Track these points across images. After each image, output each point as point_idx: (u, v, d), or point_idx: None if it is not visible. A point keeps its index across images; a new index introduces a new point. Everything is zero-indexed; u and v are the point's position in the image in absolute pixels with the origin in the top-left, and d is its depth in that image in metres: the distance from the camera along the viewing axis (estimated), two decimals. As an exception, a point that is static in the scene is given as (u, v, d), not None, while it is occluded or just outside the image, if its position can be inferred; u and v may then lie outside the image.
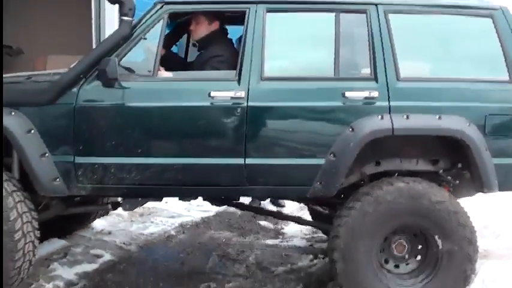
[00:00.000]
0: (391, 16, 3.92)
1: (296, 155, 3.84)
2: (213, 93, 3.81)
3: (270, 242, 5.67)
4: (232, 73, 3.91)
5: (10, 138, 3.85)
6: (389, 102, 3.80)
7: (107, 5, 6.67)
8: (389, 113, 3.78)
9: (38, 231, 4.00)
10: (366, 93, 3.81)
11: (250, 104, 3.80)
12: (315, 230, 5.92)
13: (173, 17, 4.12)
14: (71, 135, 3.86)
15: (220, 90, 3.82)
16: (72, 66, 3.97)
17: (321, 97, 3.83)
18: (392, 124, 3.74)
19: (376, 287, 3.80)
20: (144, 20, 3.94)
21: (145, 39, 3.94)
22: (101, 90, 3.85)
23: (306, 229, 5.99)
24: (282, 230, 6.06)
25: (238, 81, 3.84)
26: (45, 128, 3.87)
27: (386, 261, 3.94)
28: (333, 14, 3.91)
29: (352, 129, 3.76)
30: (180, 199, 4.36)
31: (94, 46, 6.71)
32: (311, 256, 5.18)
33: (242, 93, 3.80)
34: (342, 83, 3.85)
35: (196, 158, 3.85)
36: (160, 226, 6.12)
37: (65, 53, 8.06)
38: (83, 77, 3.89)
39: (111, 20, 6.81)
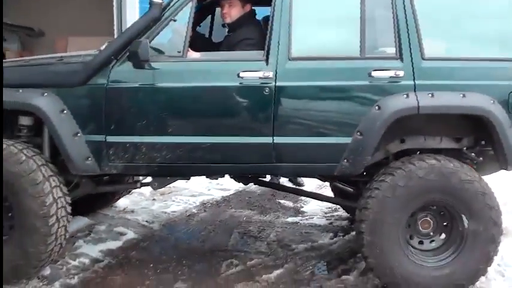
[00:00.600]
0: None
1: (323, 134, 3.90)
2: (241, 74, 3.87)
3: (290, 220, 5.73)
4: (260, 53, 3.95)
5: (43, 119, 3.95)
6: (414, 81, 3.84)
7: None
8: (415, 91, 3.82)
9: (70, 216, 4.09)
10: (391, 73, 3.85)
11: (278, 83, 3.85)
12: (334, 208, 6.00)
13: None
14: (103, 115, 3.94)
15: (249, 70, 3.88)
16: (103, 47, 4.05)
17: (347, 76, 3.88)
18: (418, 102, 3.78)
19: (401, 261, 3.85)
20: (173, 2, 4.00)
21: (175, 20, 4.00)
22: (132, 71, 3.91)
23: (325, 207, 6.06)
24: (301, 209, 6.12)
25: (266, 61, 3.89)
26: (77, 108, 3.95)
27: (411, 237, 3.99)
28: None
29: (379, 108, 3.81)
30: (207, 177, 4.42)
31: (115, 28, 6.74)
32: (331, 234, 5.25)
33: (270, 74, 3.86)
34: (368, 63, 3.89)
35: (226, 136, 3.92)
36: (182, 205, 6.21)
37: (85, 35, 8.14)
38: (114, 58, 3.96)
39: (132, 2, 6.81)
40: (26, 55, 8.25)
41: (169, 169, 4.06)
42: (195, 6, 4.03)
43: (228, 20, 4.45)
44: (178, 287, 4.12)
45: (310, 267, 4.50)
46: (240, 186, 6.61)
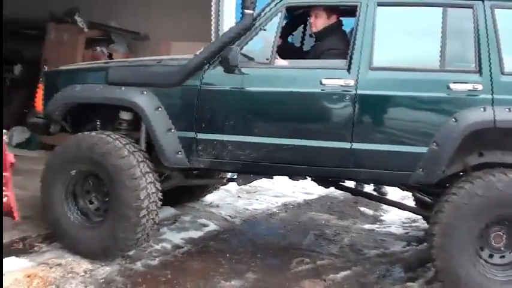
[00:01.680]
0: (497, 11, 3.98)
1: (400, 142, 4.01)
2: (324, 81, 4.07)
3: (366, 226, 5.86)
4: (342, 62, 4.13)
5: (141, 115, 4.35)
6: (492, 95, 3.88)
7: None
8: (492, 105, 3.86)
9: (159, 209, 4.43)
10: (469, 86, 3.91)
11: (359, 92, 4.02)
12: (413, 219, 6.04)
13: (290, 9, 4.40)
14: (194, 114, 4.28)
15: (331, 78, 4.07)
16: (198, 52, 4.38)
17: (426, 88, 3.98)
18: (495, 116, 3.83)
19: (468, 269, 3.88)
20: (264, 13, 4.27)
21: (264, 30, 4.26)
22: (223, 75, 4.23)
23: (404, 218, 6.13)
24: (380, 217, 6.20)
25: (348, 70, 4.06)
26: (171, 107, 4.33)
27: (482, 249, 3.97)
28: (441, 9, 4.04)
29: (455, 120, 3.88)
30: (289, 178, 4.64)
31: (213, 34, 7.10)
32: (405, 243, 5.34)
33: (351, 82, 4.03)
34: (447, 75, 3.97)
35: (307, 140, 4.13)
36: (265, 204, 6.49)
37: (187, 40, 8.58)
38: (207, 62, 4.28)
39: (229, 10, 7.13)
40: (131, 57, 8.85)
41: (253, 167, 4.33)
42: (285, 16, 4.28)
43: (314, 30, 4.67)
44: (249, 277, 4.36)
45: (378, 272, 4.62)
46: (323, 191, 6.81)
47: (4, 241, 4.40)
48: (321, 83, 4.09)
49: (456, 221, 3.86)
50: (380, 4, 4.11)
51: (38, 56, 8.89)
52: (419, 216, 5.93)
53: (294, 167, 4.27)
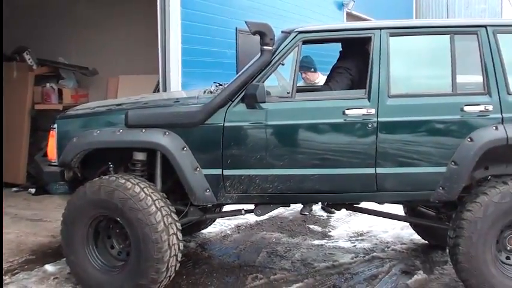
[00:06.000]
0: (499, 36, 4.35)
1: (421, 164, 4.31)
2: (347, 111, 4.28)
3: (316, 242, 6.12)
4: (362, 92, 4.38)
5: (168, 156, 4.30)
6: (502, 114, 4.25)
7: (171, 28, 7.25)
8: (502, 123, 4.23)
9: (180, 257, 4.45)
10: (481, 107, 4.26)
11: (380, 119, 4.27)
12: (360, 233, 6.39)
13: (306, 43, 4.53)
14: (220, 151, 4.31)
15: (353, 107, 4.29)
16: (220, 91, 4.43)
17: (442, 111, 4.29)
18: (507, 134, 4.20)
19: (489, 267, 4.25)
20: (281, 48, 4.39)
21: (283, 64, 4.41)
22: (246, 111, 4.31)
23: (351, 232, 6.45)
24: (329, 233, 6.48)
25: (368, 99, 4.31)
26: (196, 145, 4.31)
27: (500, 251, 4.36)
28: (448, 36, 4.37)
29: (471, 140, 4.21)
30: (302, 204, 4.77)
31: (160, 67, 7.34)
32: (352, 254, 5.66)
33: (372, 110, 4.27)
34: (460, 98, 4.30)
35: (333, 168, 4.32)
36: (218, 227, 6.56)
37: (134, 73, 8.71)
38: (229, 100, 4.32)
39: (175, 44, 7.41)
40: (81, 92, 9.03)
41: (280, 198, 4.45)
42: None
43: None
44: (207, 295, 4.53)
45: (328, 283, 4.91)
46: (273, 212, 7.06)
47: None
48: (343, 113, 4.28)
49: (483, 221, 4.20)
50: (392, 34, 4.38)
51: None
52: (365, 230, 6.48)
53: (320, 195, 4.47)
